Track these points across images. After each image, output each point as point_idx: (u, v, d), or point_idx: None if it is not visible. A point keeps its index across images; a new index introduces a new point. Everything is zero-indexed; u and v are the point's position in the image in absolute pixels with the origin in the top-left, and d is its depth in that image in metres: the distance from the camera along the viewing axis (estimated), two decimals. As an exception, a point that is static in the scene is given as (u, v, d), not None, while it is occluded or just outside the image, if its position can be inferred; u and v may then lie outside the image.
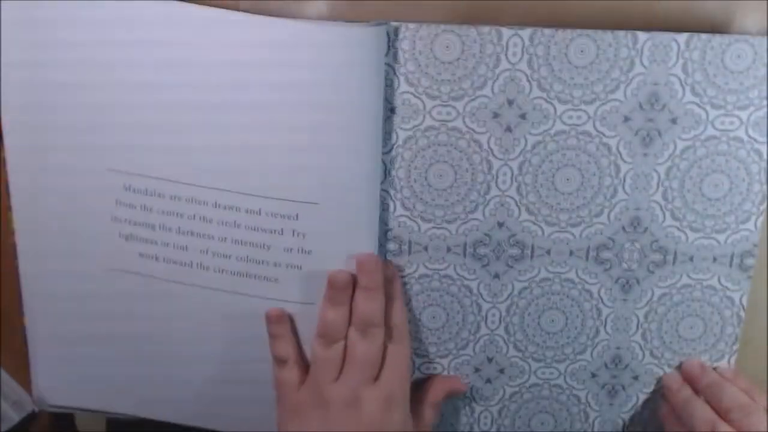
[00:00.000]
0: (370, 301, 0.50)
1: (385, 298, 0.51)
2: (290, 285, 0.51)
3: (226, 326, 0.53)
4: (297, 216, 0.50)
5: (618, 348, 0.55)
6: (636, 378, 0.56)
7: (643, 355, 0.55)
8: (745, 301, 0.54)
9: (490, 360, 0.55)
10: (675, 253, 0.53)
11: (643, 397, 0.56)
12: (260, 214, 0.50)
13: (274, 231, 0.50)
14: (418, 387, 0.55)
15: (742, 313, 0.54)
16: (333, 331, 0.50)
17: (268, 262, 0.51)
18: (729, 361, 0.55)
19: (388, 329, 0.50)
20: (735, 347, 0.55)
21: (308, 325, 0.51)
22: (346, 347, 0.50)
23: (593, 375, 0.56)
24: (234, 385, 0.55)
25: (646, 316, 0.54)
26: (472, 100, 0.50)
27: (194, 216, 0.51)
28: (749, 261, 0.53)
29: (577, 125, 0.50)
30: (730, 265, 0.53)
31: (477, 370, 0.55)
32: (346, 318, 0.50)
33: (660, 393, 0.56)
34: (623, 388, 0.56)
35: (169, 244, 0.52)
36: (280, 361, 0.51)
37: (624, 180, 0.51)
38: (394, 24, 0.48)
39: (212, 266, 0.52)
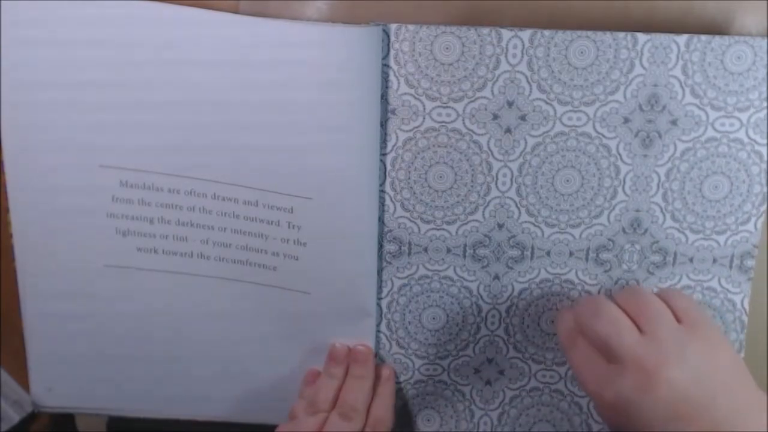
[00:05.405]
0: (356, 389, 0.52)
1: (375, 393, 0.53)
2: (288, 274, 0.52)
3: (227, 316, 0.54)
4: (291, 209, 0.50)
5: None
6: None
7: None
8: (746, 305, 0.54)
9: (490, 361, 0.55)
10: (675, 255, 0.53)
11: None
12: (257, 205, 0.51)
13: (271, 222, 0.51)
14: None
15: (745, 318, 0.54)
16: (320, 401, 0.51)
17: (267, 251, 0.52)
18: None
19: (372, 421, 0.51)
20: (741, 355, 0.55)
21: (304, 312, 0.53)
22: (326, 421, 0.50)
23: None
24: (236, 375, 0.56)
25: (646, 319, 0.54)
26: (472, 101, 0.50)
27: (194, 207, 0.51)
28: (749, 262, 0.53)
29: (577, 126, 0.50)
30: (730, 267, 0.53)
31: (477, 371, 0.55)
32: (335, 392, 0.52)
33: None
34: None
35: (169, 236, 0.52)
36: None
37: (624, 181, 0.51)
38: (394, 25, 0.48)
39: (213, 255, 0.52)
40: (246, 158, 0.50)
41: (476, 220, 0.52)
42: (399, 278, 0.53)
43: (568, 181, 0.51)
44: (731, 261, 0.53)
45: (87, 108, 0.50)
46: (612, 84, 0.49)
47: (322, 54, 0.48)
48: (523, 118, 0.50)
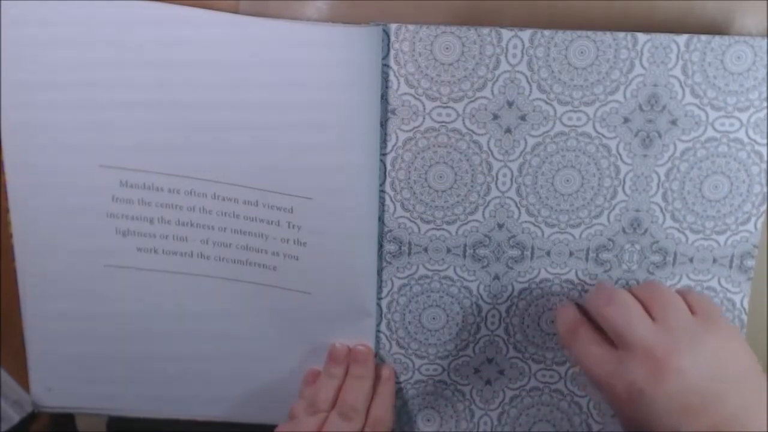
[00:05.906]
0: (356, 389, 0.52)
1: (375, 393, 0.53)
2: (288, 274, 0.52)
3: (227, 316, 0.54)
4: (291, 209, 0.50)
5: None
6: None
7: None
8: (746, 305, 0.54)
9: (490, 361, 0.55)
10: (675, 255, 0.53)
11: None
12: (257, 205, 0.51)
13: (271, 222, 0.51)
14: None
15: (744, 317, 0.54)
16: (320, 401, 0.51)
17: (267, 251, 0.52)
18: None
19: (372, 421, 0.51)
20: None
21: (304, 312, 0.53)
22: (326, 421, 0.50)
23: (593, 381, 0.56)
24: (236, 375, 0.56)
25: (646, 319, 0.54)
26: (472, 101, 0.50)
27: (194, 207, 0.51)
28: (749, 262, 0.53)
29: (577, 126, 0.50)
30: (730, 267, 0.53)
31: (477, 371, 0.55)
32: (335, 392, 0.52)
33: None
34: None
35: (169, 236, 0.52)
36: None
37: (624, 181, 0.51)
38: (394, 25, 0.48)
39: (213, 255, 0.52)
40: (246, 158, 0.50)
41: (476, 220, 0.52)
42: (399, 278, 0.53)
43: (568, 181, 0.51)
44: (731, 261, 0.53)
45: (87, 108, 0.50)
46: (612, 84, 0.49)
47: (322, 54, 0.48)
48: (523, 118, 0.50)
